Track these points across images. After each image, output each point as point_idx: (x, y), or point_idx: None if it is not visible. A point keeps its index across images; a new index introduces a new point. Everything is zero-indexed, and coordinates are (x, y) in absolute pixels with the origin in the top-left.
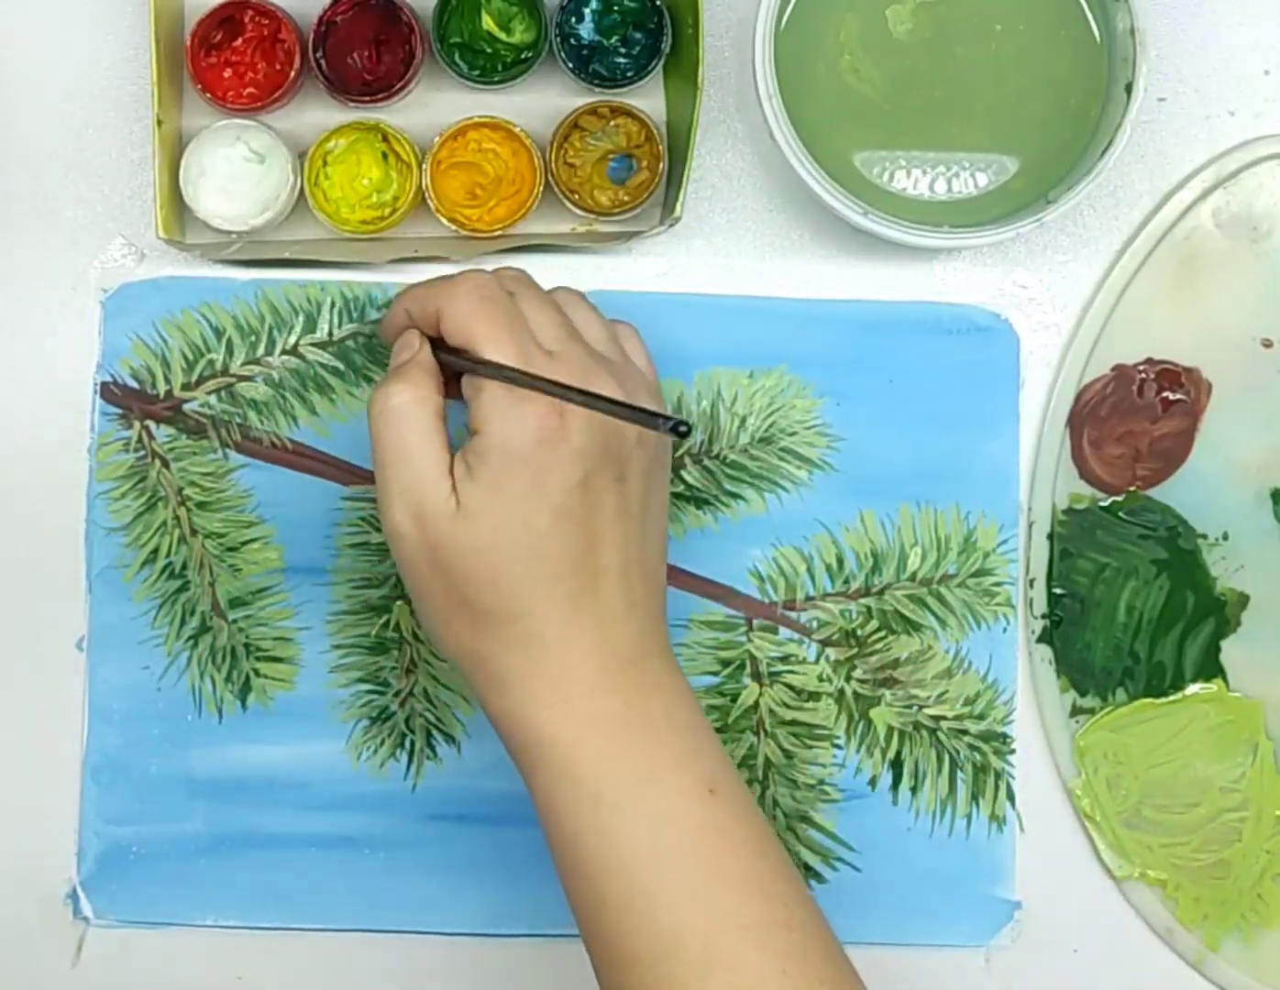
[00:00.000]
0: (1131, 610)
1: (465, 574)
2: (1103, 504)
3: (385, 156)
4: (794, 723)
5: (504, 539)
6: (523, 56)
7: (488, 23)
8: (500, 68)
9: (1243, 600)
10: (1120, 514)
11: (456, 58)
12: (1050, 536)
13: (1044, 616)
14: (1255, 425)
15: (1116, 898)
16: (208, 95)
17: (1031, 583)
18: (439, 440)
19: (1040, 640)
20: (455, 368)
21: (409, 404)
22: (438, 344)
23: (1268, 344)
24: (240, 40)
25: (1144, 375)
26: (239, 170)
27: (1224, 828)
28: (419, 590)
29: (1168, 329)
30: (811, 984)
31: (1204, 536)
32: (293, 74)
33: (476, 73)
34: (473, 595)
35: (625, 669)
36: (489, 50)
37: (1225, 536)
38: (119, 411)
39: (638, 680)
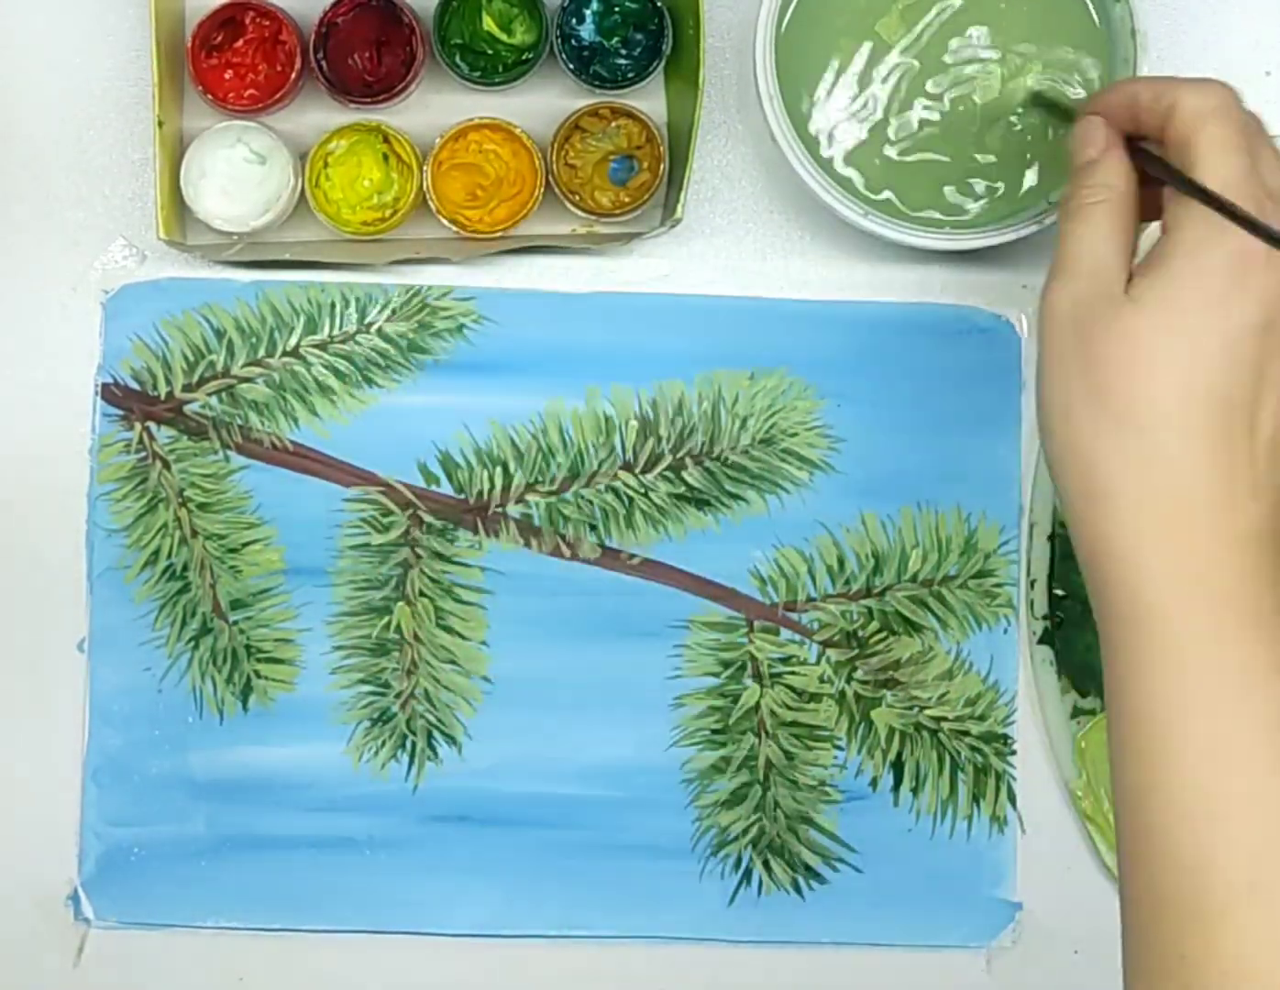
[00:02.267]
0: None
1: (1110, 359)
2: None
3: (386, 158)
4: (795, 724)
5: (1162, 339)
6: (523, 57)
7: (488, 24)
8: (501, 69)
9: None
10: None
11: (457, 59)
12: (1051, 538)
13: (1045, 618)
14: None
15: (1117, 899)
16: (209, 97)
17: (1032, 584)
18: (1124, 238)
19: (1041, 641)
20: (1155, 173)
21: (1100, 209)
22: (1132, 146)
23: None
24: (241, 41)
25: None
26: (240, 171)
27: None
28: (1054, 371)
29: None
30: None
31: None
32: (294, 75)
33: (477, 74)
34: (1109, 386)
35: (1246, 546)
36: (490, 51)
37: None
38: (120, 413)
39: (1256, 564)
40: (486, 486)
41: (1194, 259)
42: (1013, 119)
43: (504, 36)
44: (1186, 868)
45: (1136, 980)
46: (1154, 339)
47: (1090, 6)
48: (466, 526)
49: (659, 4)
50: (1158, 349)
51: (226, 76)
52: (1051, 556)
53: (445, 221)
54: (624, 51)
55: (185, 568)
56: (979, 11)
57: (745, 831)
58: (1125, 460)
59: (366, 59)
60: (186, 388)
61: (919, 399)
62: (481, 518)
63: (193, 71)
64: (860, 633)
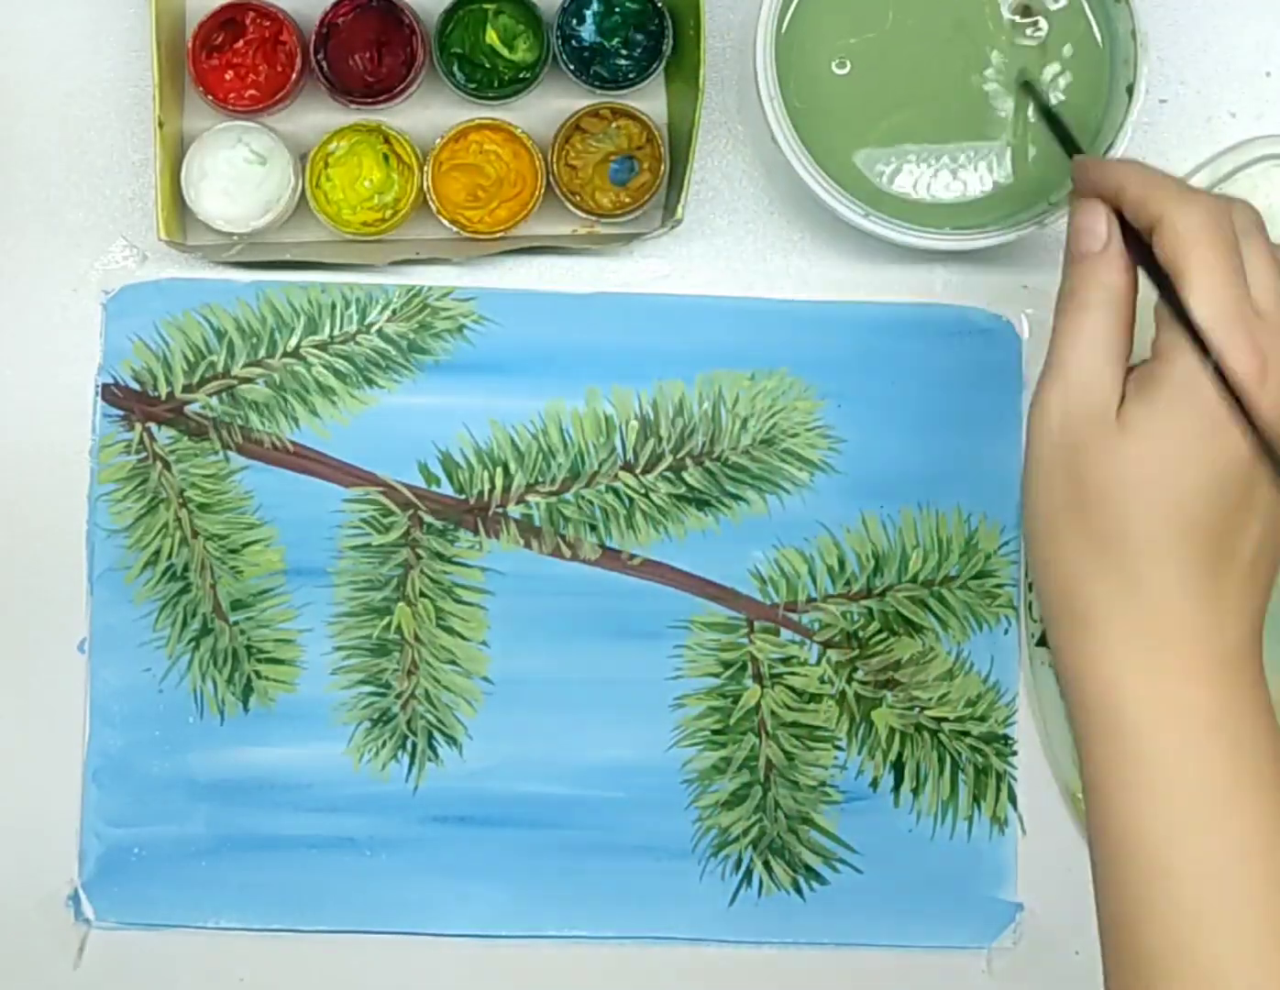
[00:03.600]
0: None
1: (1098, 486)
2: None
3: (386, 158)
4: (795, 724)
5: (1152, 471)
6: (520, 75)
7: (491, 37)
8: (496, 84)
9: None
10: None
11: (455, 68)
12: None
13: (1043, 620)
14: None
15: None
16: (209, 97)
17: (1030, 587)
18: (1120, 347)
19: (1040, 643)
20: (1143, 268)
21: (1096, 304)
22: (1124, 227)
23: None
24: (241, 42)
25: None
26: (240, 172)
27: None
28: (1039, 483)
29: None
30: None
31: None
32: (294, 76)
33: (473, 86)
34: (1094, 510)
35: (1226, 666)
36: (488, 65)
37: None
38: (120, 413)
39: (1235, 684)
40: (487, 487)
41: (1187, 391)
42: (1012, 117)
43: (505, 52)
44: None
45: None
46: (1143, 470)
47: (1090, 8)
48: (467, 527)
49: (659, 5)
50: (1146, 481)
51: (227, 77)
52: None
53: (446, 222)
54: (624, 52)
55: (186, 568)
56: (973, 15)
57: (746, 832)
58: (1109, 586)
59: (367, 60)
60: (187, 388)
61: (919, 399)
62: (482, 518)
63: (193, 72)
64: (861, 633)
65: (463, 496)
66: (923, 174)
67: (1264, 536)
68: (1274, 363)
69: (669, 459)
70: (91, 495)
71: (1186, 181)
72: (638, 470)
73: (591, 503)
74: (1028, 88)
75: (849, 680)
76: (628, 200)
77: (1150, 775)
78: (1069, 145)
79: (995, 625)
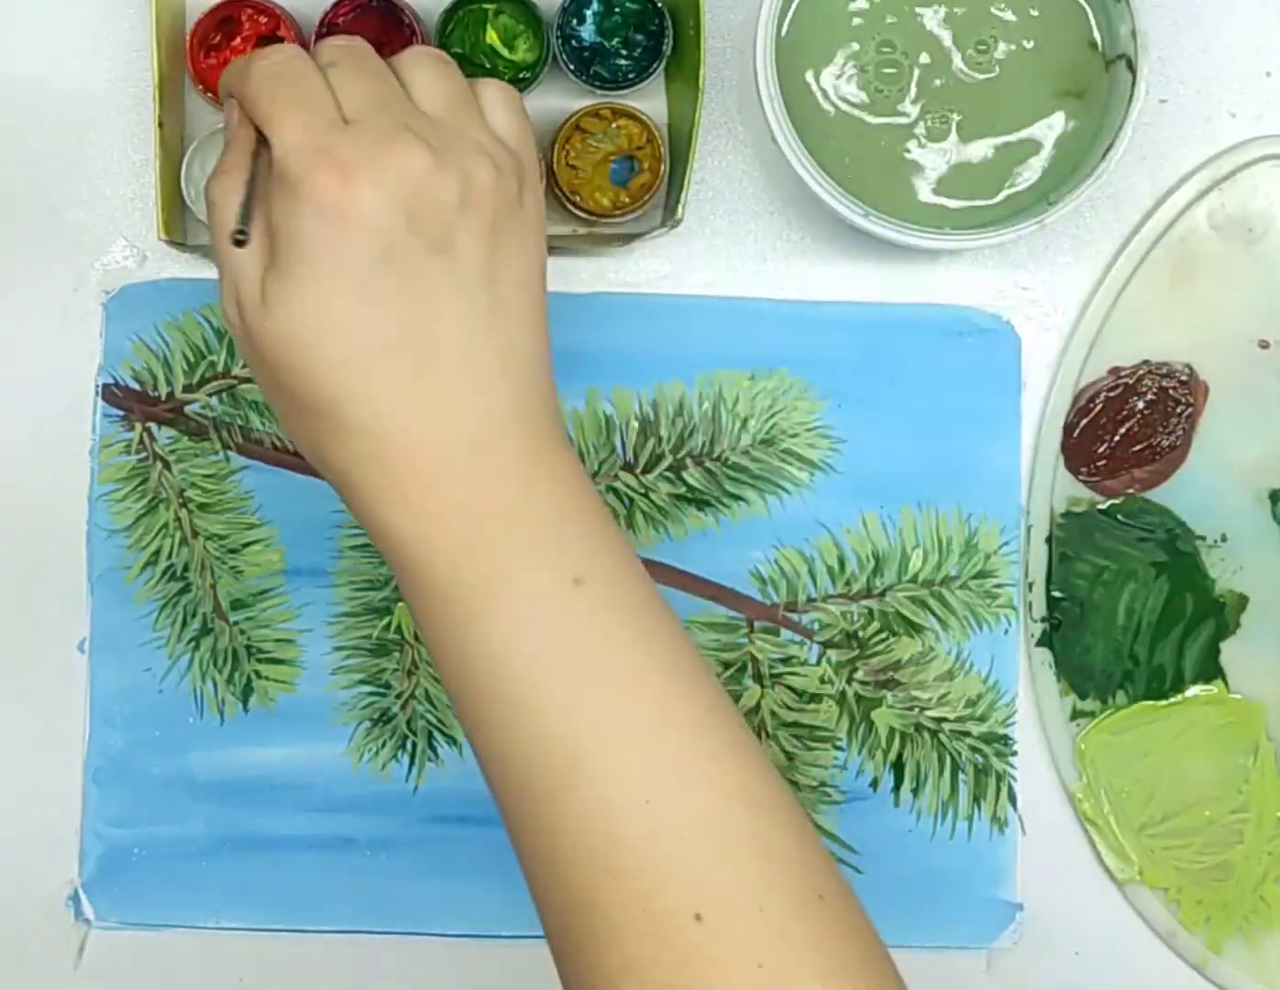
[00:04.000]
0: (1131, 613)
1: (277, 363)
2: (1101, 507)
3: None
4: (795, 725)
5: (301, 325)
6: (520, 76)
7: (491, 37)
8: None
9: (1242, 602)
10: (1118, 517)
11: None
12: (1049, 540)
13: (1043, 620)
14: (1253, 427)
15: (1119, 900)
16: (208, 95)
17: (1030, 586)
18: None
19: (1040, 644)
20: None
21: (227, 194)
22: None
23: (1264, 345)
24: (239, 39)
25: (1140, 378)
26: None
27: (1226, 830)
28: (260, 385)
29: (1164, 332)
30: (691, 791)
31: (1202, 538)
32: None
33: None
34: (290, 386)
35: (472, 455)
36: (488, 65)
37: (1224, 538)
38: (120, 413)
39: (487, 467)
40: None
41: (290, 236)
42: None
43: (505, 52)
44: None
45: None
46: (292, 327)
47: (1090, 8)
48: None
49: (660, 5)
50: (299, 336)
51: None
52: (1049, 559)
53: None
54: (625, 52)
55: (186, 568)
56: (974, 15)
57: None
58: (340, 442)
59: None
60: (187, 388)
61: (919, 399)
62: None
63: (192, 70)
64: (861, 633)
65: None
66: (922, 174)
67: (462, 315)
68: (361, 163)
69: (669, 459)
70: (91, 495)
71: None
72: (638, 470)
73: None
74: None
75: (849, 680)
76: (628, 200)
77: (433, 590)
78: None
79: (995, 625)
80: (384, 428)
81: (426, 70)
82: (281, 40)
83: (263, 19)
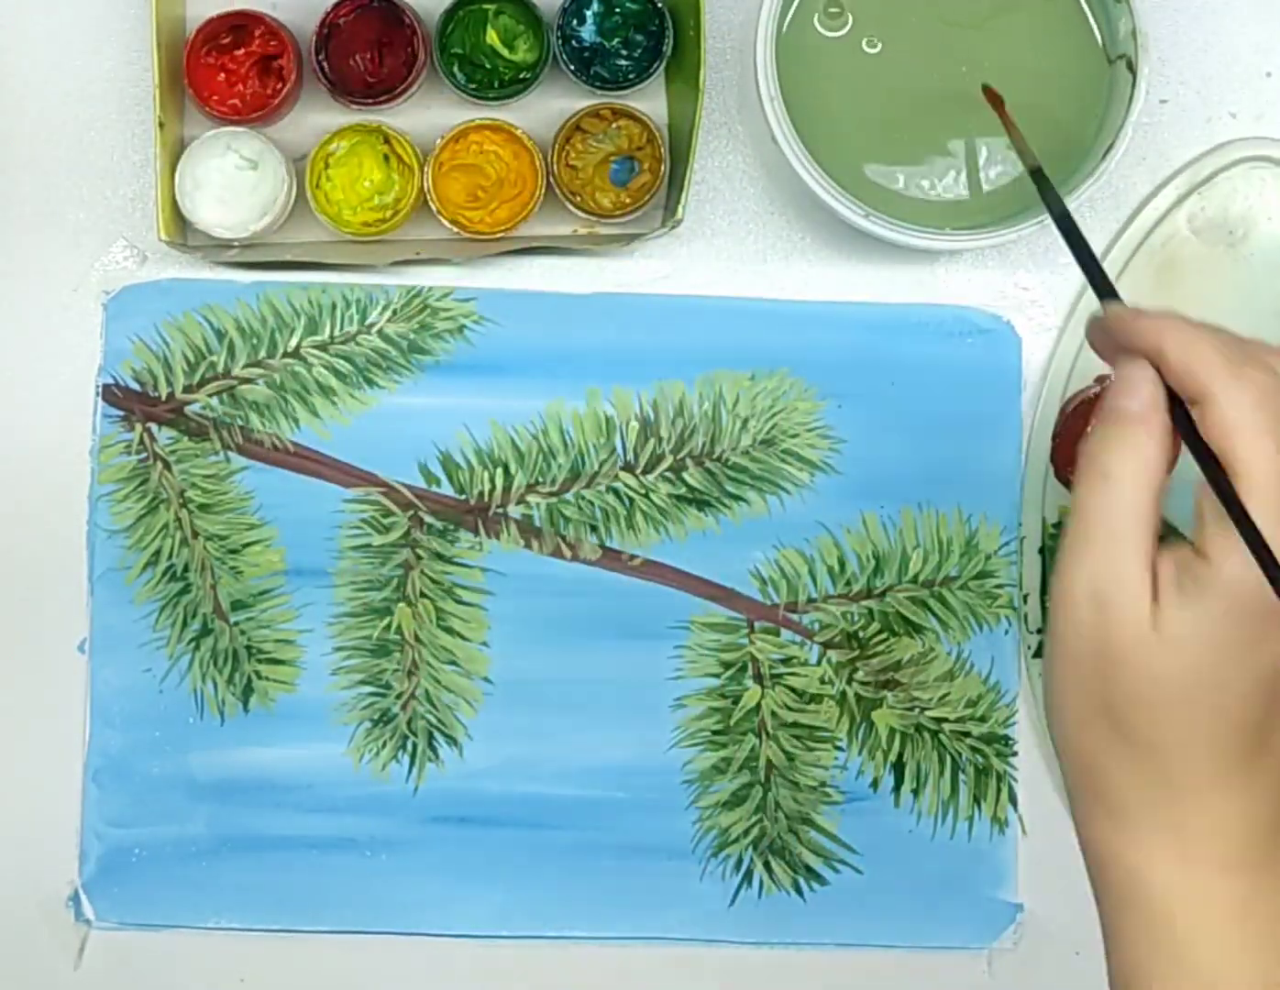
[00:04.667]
0: None
1: (1133, 694)
2: None
3: (387, 159)
4: (796, 725)
5: (1194, 684)
6: (521, 76)
7: (491, 37)
8: (497, 85)
9: None
10: None
11: (455, 69)
12: (1041, 551)
13: (1039, 631)
14: None
15: None
16: (191, 92)
17: (1025, 598)
18: (1149, 528)
19: (1037, 655)
20: (1187, 443)
21: (1129, 477)
22: (1171, 395)
23: None
24: (242, 51)
25: None
26: (232, 179)
27: None
28: (1066, 673)
29: None
30: None
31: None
32: (278, 101)
33: (473, 86)
34: (1127, 713)
35: (1257, 849)
36: (489, 66)
37: None
38: (121, 414)
39: (1266, 866)
40: (487, 487)
41: (1232, 596)
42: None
43: (505, 52)
44: None
45: None
46: (1182, 682)
47: (1090, 9)
48: (467, 527)
49: (660, 5)
50: (1185, 693)
51: (219, 78)
52: (1043, 570)
53: (446, 222)
54: (625, 53)
55: (186, 569)
56: (975, 15)
57: (746, 832)
58: (1138, 779)
59: (368, 60)
60: (187, 389)
61: (919, 400)
62: (482, 518)
63: (186, 65)
64: (861, 634)
65: (463, 497)
66: (923, 173)
67: None
68: None
69: (669, 459)
70: (92, 495)
71: (1233, 340)
72: (638, 471)
73: (592, 503)
74: (1037, 177)
75: (849, 681)
76: (628, 200)
77: (1181, 966)
78: (1099, 284)
79: (995, 626)
80: (1201, 795)
81: None
82: (279, 69)
83: (272, 42)
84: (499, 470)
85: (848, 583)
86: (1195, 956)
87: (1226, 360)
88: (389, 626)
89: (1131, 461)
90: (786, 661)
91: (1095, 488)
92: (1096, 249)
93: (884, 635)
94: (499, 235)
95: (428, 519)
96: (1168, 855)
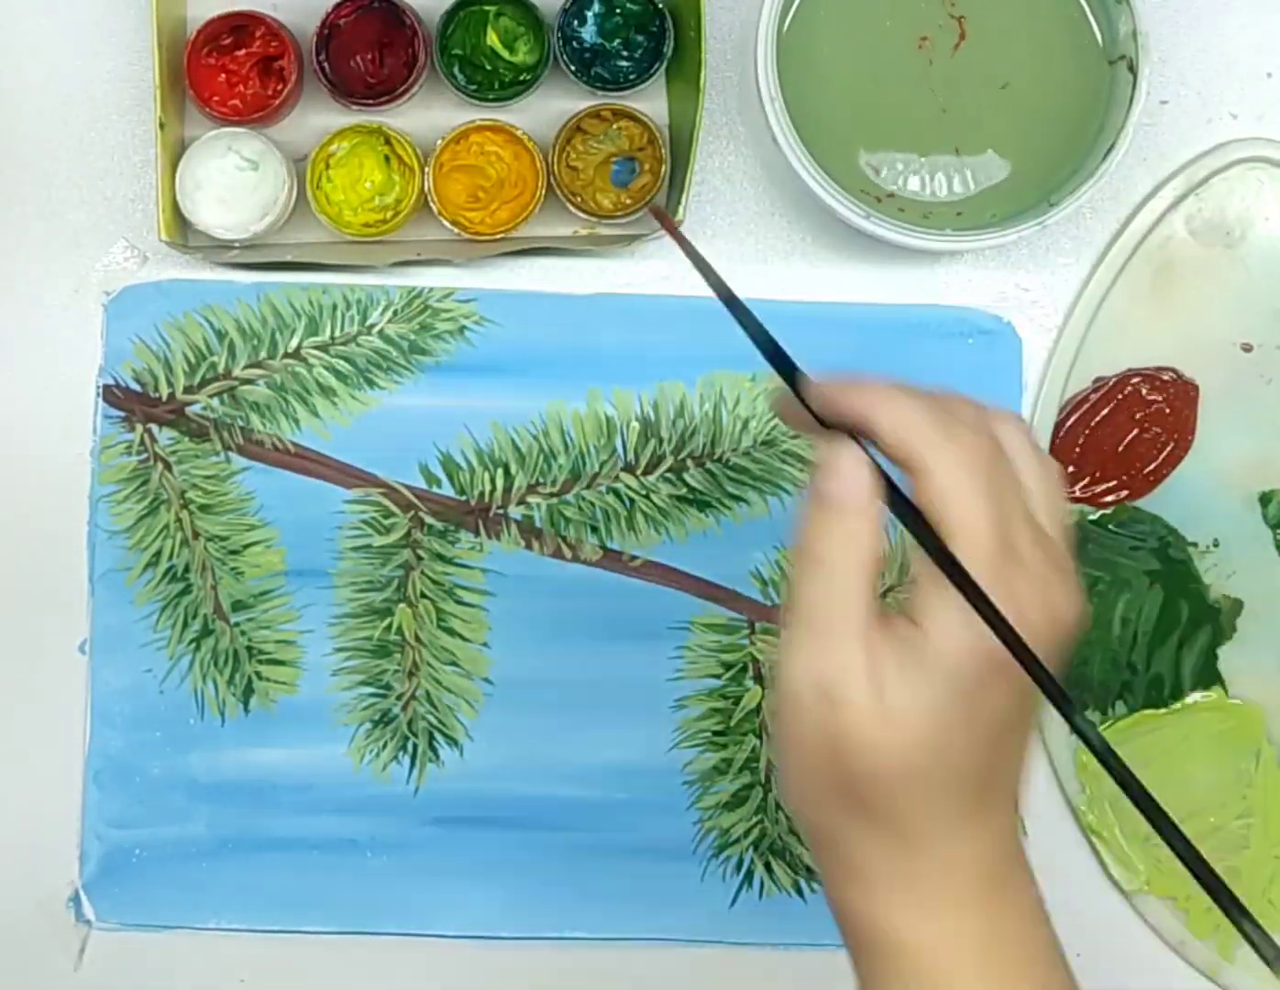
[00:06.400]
0: (1126, 623)
1: (864, 772)
2: (1091, 518)
3: (387, 159)
4: None
5: (922, 751)
6: (521, 77)
7: (492, 39)
8: (497, 86)
9: (1237, 606)
10: (1110, 527)
11: (455, 70)
12: None
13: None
14: (1240, 430)
15: (1127, 911)
16: (191, 92)
17: None
18: (866, 611)
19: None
20: (893, 510)
21: (842, 563)
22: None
23: (1248, 348)
24: (243, 52)
25: (1124, 388)
26: (233, 180)
27: (1231, 835)
28: (798, 762)
29: (1147, 339)
30: None
31: (1194, 545)
32: (278, 102)
33: (473, 88)
34: (861, 792)
35: (995, 889)
36: (489, 67)
37: (1216, 543)
38: (121, 414)
39: (1003, 901)
40: (488, 488)
41: (951, 659)
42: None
43: (505, 54)
44: None
45: None
46: (911, 756)
47: (1090, 10)
48: (468, 528)
49: (660, 6)
50: (912, 764)
51: (219, 78)
52: None
53: (447, 223)
54: (625, 53)
55: (187, 569)
56: (976, 16)
57: (747, 833)
58: (878, 845)
59: (369, 61)
60: (188, 389)
61: None
62: (483, 519)
63: (187, 64)
64: None
65: (464, 498)
66: (923, 174)
67: (1019, 759)
68: (1029, 607)
69: (670, 460)
70: (92, 496)
71: (940, 401)
72: (639, 471)
73: (592, 504)
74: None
75: None
76: (629, 201)
77: None
78: (782, 363)
79: None
80: (937, 849)
81: (1050, 484)
82: (280, 70)
83: (273, 43)
84: (500, 471)
85: None
86: None
87: (937, 426)
88: (390, 627)
89: (845, 548)
90: None
91: (811, 575)
92: (1096, 249)
93: None
94: (499, 236)
95: (428, 520)
96: (909, 906)
